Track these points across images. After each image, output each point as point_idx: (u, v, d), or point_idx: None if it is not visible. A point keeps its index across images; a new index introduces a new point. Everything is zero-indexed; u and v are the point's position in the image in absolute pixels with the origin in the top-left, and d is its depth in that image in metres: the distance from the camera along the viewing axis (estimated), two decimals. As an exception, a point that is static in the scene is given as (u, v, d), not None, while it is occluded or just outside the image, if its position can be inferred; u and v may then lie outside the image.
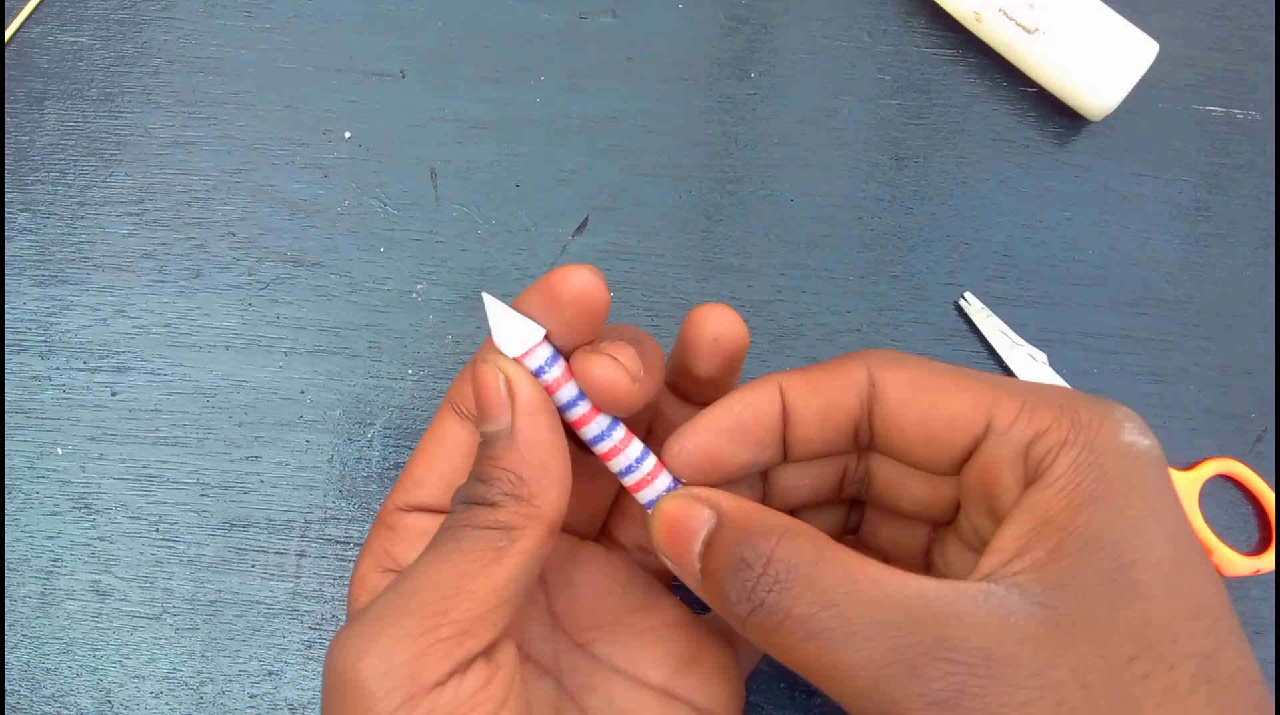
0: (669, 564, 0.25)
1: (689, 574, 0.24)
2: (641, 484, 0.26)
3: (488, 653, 0.23)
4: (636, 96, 0.41)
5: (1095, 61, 0.38)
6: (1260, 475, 0.37)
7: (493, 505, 0.24)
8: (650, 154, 0.40)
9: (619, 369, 0.25)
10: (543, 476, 0.24)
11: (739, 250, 0.39)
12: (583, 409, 0.26)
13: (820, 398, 0.26)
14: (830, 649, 0.21)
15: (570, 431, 0.26)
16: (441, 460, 0.27)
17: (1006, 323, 0.39)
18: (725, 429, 0.26)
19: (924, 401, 0.25)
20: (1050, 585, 0.21)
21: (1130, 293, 0.39)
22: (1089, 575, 0.21)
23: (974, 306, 0.39)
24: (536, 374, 0.25)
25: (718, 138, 0.41)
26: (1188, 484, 0.38)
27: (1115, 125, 0.40)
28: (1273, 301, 0.39)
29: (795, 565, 0.22)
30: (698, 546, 0.24)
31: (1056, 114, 0.41)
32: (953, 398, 0.25)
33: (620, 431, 0.26)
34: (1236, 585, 0.37)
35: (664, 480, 0.26)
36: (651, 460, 0.26)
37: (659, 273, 0.39)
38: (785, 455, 0.27)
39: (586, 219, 0.40)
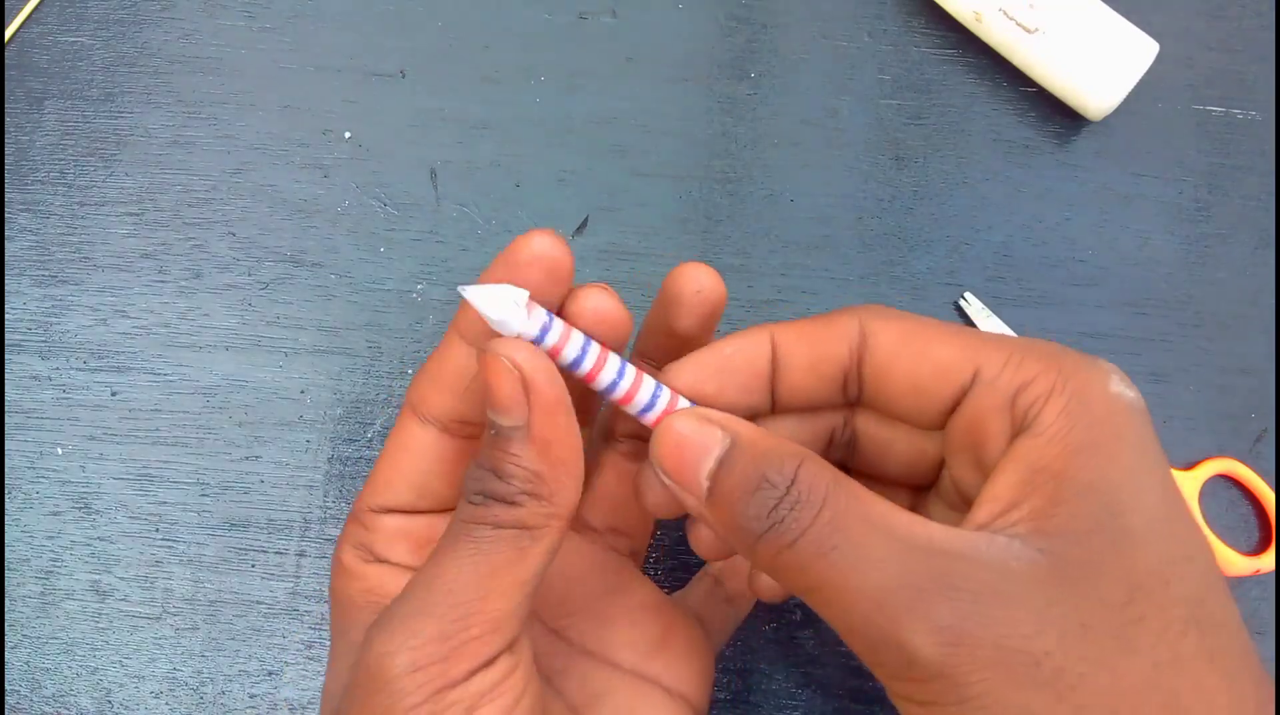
0: (666, 481, 0.25)
1: (691, 490, 0.24)
2: (665, 413, 0.26)
3: (510, 645, 0.24)
4: (636, 96, 0.41)
5: (1095, 61, 0.38)
6: (1260, 475, 0.37)
7: (513, 503, 0.24)
8: (650, 154, 0.40)
9: (609, 294, 0.26)
10: (562, 474, 0.24)
11: (739, 250, 0.39)
12: (590, 361, 0.25)
13: (810, 346, 0.26)
14: (839, 570, 0.22)
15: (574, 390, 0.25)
16: (407, 465, 0.27)
17: (1006, 323, 0.39)
18: (714, 369, 0.26)
19: (912, 351, 0.25)
20: (1048, 533, 0.22)
21: (1130, 293, 0.39)
22: (1084, 522, 0.21)
23: (974, 307, 0.39)
24: (539, 339, 0.24)
25: (718, 138, 0.41)
26: (1188, 484, 0.38)
27: (1115, 125, 0.40)
28: (1272, 302, 0.39)
29: (815, 487, 0.23)
30: (708, 465, 0.24)
31: (1056, 114, 0.41)
32: (941, 347, 0.25)
33: (632, 371, 0.25)
34: (1237, 585, 0.37)
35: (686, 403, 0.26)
36: (668, 392, 0.26)
37: (659, 273, 0.39)
38: (773, 406, 0.27)
39: (586, 219, 0.40)
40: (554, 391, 0.24)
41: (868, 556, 0.22)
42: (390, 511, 0.27)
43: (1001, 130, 0.41)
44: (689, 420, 0.25)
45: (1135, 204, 0.40)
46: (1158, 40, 0.38)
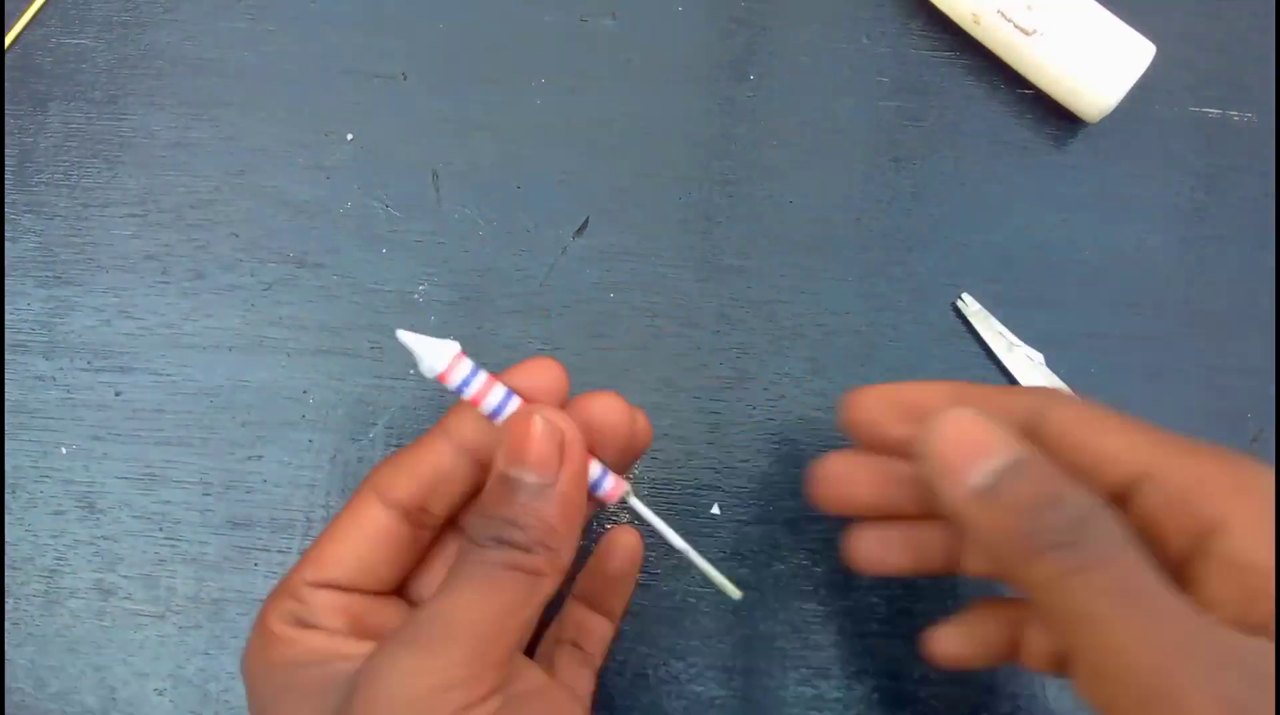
0: (930, 466, 0.26)
1: (957, 482, 0.25)
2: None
3: (506, 683, 0.26)
4: (637, 98, 0.41)
5: (1093, 63, 0.38)
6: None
7: (527, 550, 0.26)
8: (650, 155, 0.41)
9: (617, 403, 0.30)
10: (572, 534, 0.27)
11: (739, 251, 0.40)
12: (506, 409, 0.28)
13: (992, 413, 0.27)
14: (1124, 627, 0.23)
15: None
16: (359, 543, 0.28)
17: (1005, 323, 0.39)
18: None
19: (1084, 435, 0.26)
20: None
21: (1128, 293, 0.40)
22: None
23: (971, 307, 0.39)
24: (463, 387, 0.28)
25: (717, 139, 0.41)
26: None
27: (1113, 127, 0.40)
28: (1270, 302, 0.39)
29: (1112, 534, 0.23)
30: (992, 464, 0.25)
31: (1054, 116, 0.41)
32: (1112, 437, 0.26)
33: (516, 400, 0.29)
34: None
35: (598, 467, 0.30)
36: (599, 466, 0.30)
37: (659, 273, 0.39)
38: None
39: (587, 220, 0.40)
40: (584, 458, 0.27)
41: (1157, 621, 0.22)
42: (328, 587, 0.28)
43: (1000, 132, 0.41)
44: (974, 419, 0.26)
45: (1133, 205, 0.40)
46: (1155, 42, 0.38)
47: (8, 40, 0.42)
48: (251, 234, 0.40)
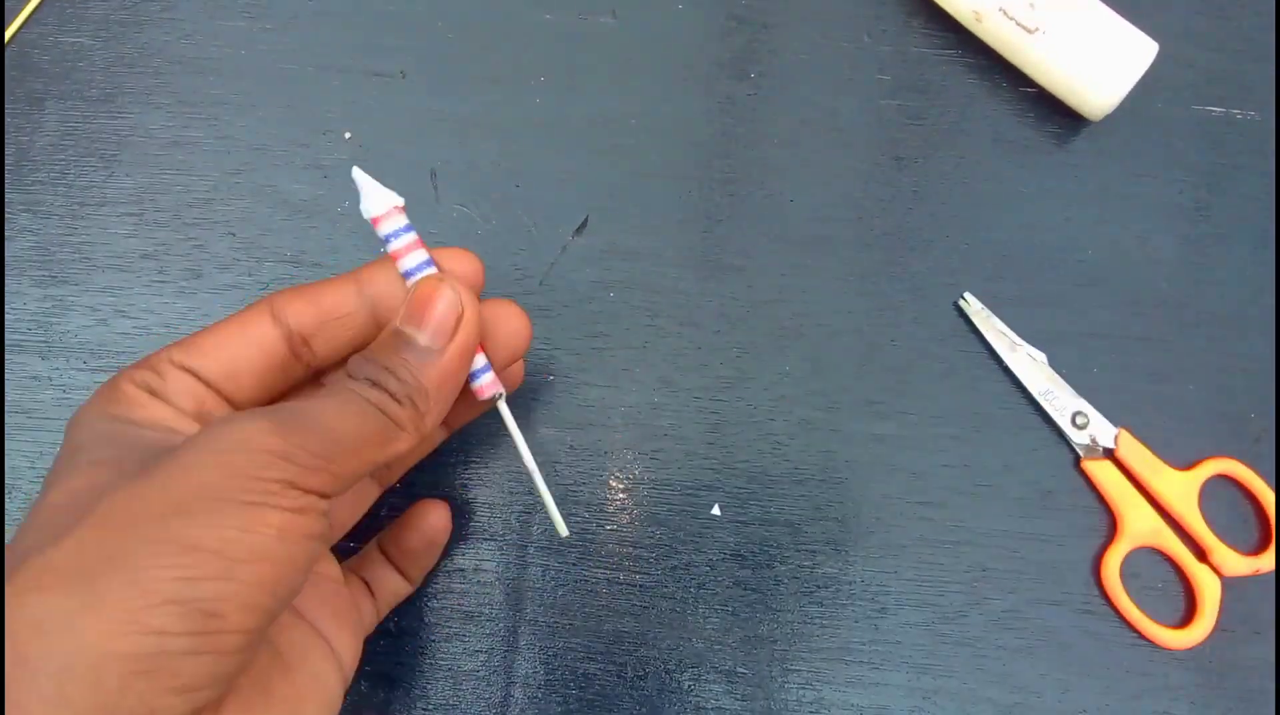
0: None
1: None
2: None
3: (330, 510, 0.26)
4: (636, 97, 0.41)
5: (1095, 61, 0.38)
6: (1260, 475, 0.37)
7: (396, 400, 0.26)
8: (650, 154, 0.40)
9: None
10: (440, 404, 0.28)
11: (739, 250, 0.39)
12: (421, 273, 0.29)
13: None
14: None
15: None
16: (239, 347, 0.29)
17: (1006, 323, 0.39)
18: None
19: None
20: None
21: (1130, 293, 0.39)
22: None
23: (973, 306, 0.39)
24: (390, 238, 0.29)
25: (718, 138, 0.41)
26: (1187, 484, 0.38)
27: (1115, 125, 0.40)
28: (1272, 301, 0.39)
29: None
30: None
31: (1056, 114, 0.41)
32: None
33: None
34: (1236, 585, 0.37)
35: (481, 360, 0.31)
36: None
37: (659, 273, 0.39)
38: None
39: (586, 219, 0.40)
40: (475, 335, 0.28)
41: None
42: (191, 373, 0.28)
43: (1001, 130, 0.41)
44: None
45: (1135, 204, 0.40)
46: (1157, 40, 0.38)
47: (5, 38, 0.41)
48: (249, 233, 0.40)
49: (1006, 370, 0.38)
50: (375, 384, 0.27)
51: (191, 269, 0.39)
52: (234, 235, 0.40)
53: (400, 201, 0.29)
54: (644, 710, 0.36)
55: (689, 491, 0.37)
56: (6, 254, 0.40)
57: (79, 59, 0.41)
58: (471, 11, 0.42)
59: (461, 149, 0.40)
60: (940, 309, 0.39)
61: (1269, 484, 0.37)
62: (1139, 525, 0.37)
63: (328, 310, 0.30)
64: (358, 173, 0.29)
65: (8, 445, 0.38)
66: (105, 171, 0.40)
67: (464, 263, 0.31)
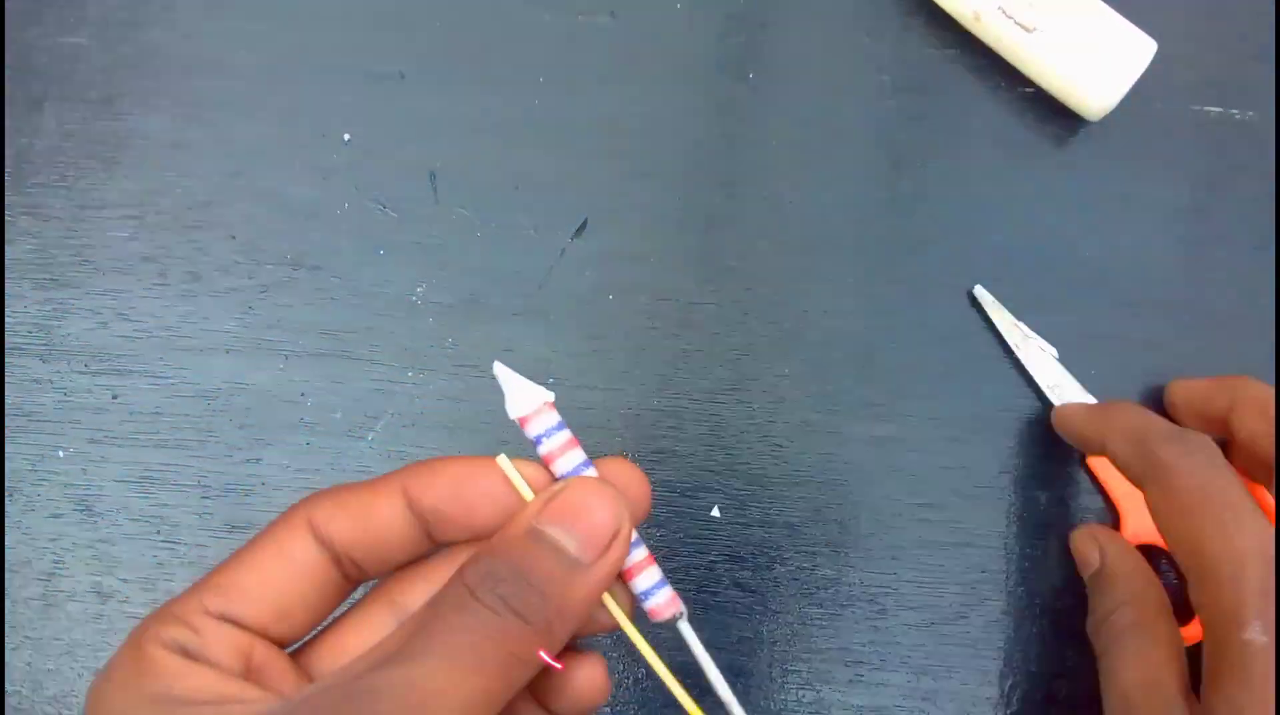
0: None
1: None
2: (634, 573, 0.27)
3: None
4: (635, 98, 0.41)
5: (1094, 61, 0.38)
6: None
7: (527, 621, 0.22)
8: (650, 155, 0.40)
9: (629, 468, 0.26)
10: (573, 628, 0.23)
11: (738, 252, 0.40)
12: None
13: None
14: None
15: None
16: (281, 580, 0.24)
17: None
18: None
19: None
20: None
21: (1129, 293, 0.39)
22: None
23: (986, 297, 0.39)
24: (542, 437, 0.25)
25: (717, 139, 0.41)
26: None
27: (1113, 126, 0.40)
28: (1271, 302, 0.39)
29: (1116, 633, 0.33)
30: (1087, 573, 0.35)
31: (1055, 114, 0.40)
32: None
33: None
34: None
35: (656, 574, 0.27)
36: (644, 551, 0.27)
37: (659, 275, 0.39)
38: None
39: (586, 221, 0.40)
40: (624, 557, 0.24)
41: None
42: (231, 622, 0.23)
43: (1000, 131, 0.41)
44: (1086, 540, 0.36)
45: (1134, 204, 0.40)
46: (1156, 40, 0.38)
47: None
48: (249, 236, 0.40)
49: (1008, 370, 0.38)
50: (507, 604, 0.21)
51: (192, 272, 0.39)
52: (234, 238, 0.40)
53: (550, 396, 0.26)
54: (644, 710, 0.36)
55: (689, 493, 0.38)
56: (7, 257, 0.40)
57: (78, 61, 0.41)
58: (471, 12, 0.42)
59: (461, 150, 0.40)
60: (940, 310, 0.39)
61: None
62: (1142, 523, 0.37)
63: (377, 532, 0.24)
64: (500, 368, 0.26)
65: (8, 448, 0.38)
66: (105, 174, 0.40)
67: (627, 475, 0.26)
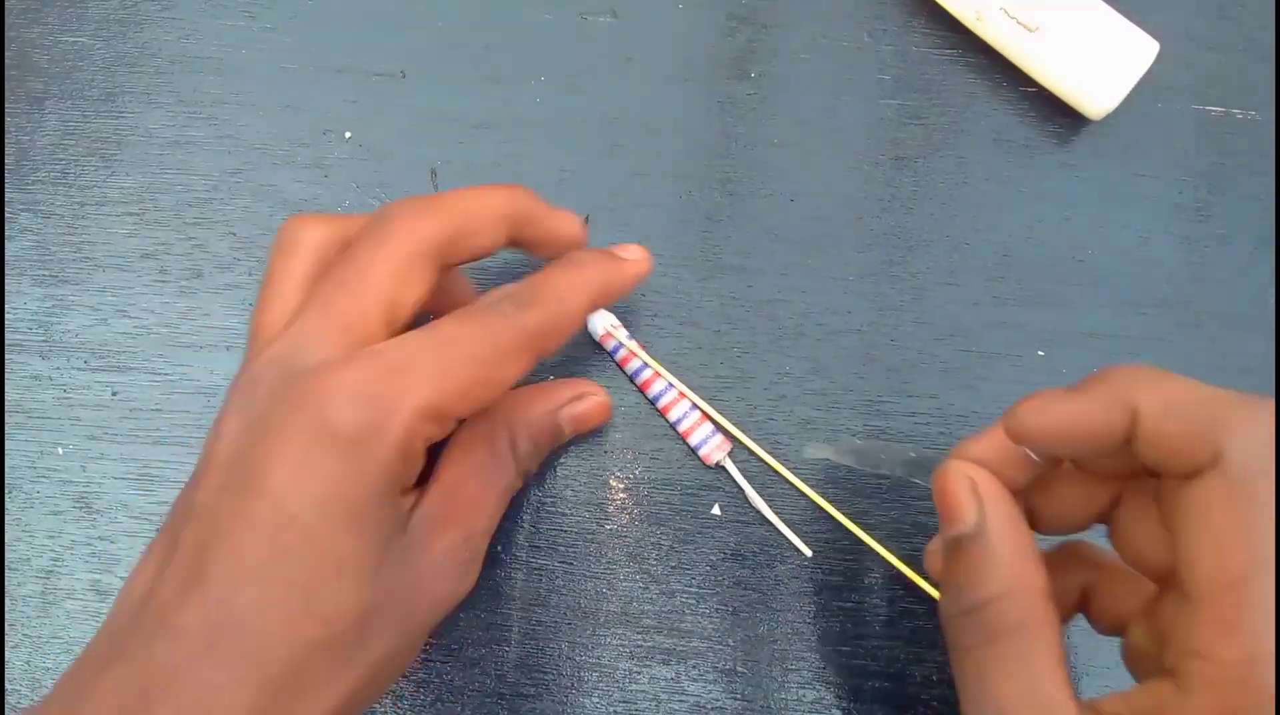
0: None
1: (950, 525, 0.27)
2: (690, 431, 0.37)
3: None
4: (636, 96, 0.41)
5: (1095, 61, 0.38)
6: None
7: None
8: (650, 154, 0.40)
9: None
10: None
11: (739, 250, 0.40)
12: (646, 374, 0.37)
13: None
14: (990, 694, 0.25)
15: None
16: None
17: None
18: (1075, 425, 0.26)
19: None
20: None
21: (1130, 292, 0.39)
22: None
23: None
24: (613, 352, 0.37)
25: (718, 138, 0.41)
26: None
27: (1115, 125, 0.40)
28: (1272, 301, 0.39)
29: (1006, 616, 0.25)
30: (958, 528, 0.26)
31: (1056, 114, 0.41)
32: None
33: (673, 392, 0.37)
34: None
35: (707, 429, 0.37)
36: (697, 414, 0.37)
37: (659, 273, 0.39)
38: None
39: (587, 219, 0.40)
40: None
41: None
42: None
43: (1002, 130, 0.41)
44: (960, 482, 0.27)
45: (1135, 204, 0.40)
46: (1158, 39, 0.38)
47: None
48: (249, 233, 0.40)
49: (1006, 370, 0.38)
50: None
51: (192, 268, 0.39)
52: (234, 234, 0.40)
53: (613, 321, 0.37)
54: (644, 710, 0.36)
55: (689, 491, 0.37)
56: (7, 253, 0.40)
57: (79, 58, 0.41)
58: (472, 11, 0.42)
59: (461, 149, 0.40)
60: (940, 309, 0.39)
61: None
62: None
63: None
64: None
65: (8, 445, 0.38)
66: (106, 171, 0.40)
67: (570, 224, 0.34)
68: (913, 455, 0.30)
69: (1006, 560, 0.26)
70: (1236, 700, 0.22)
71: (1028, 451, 0.27)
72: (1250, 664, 0.22)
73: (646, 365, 0.37)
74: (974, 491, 0.26)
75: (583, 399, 0.36)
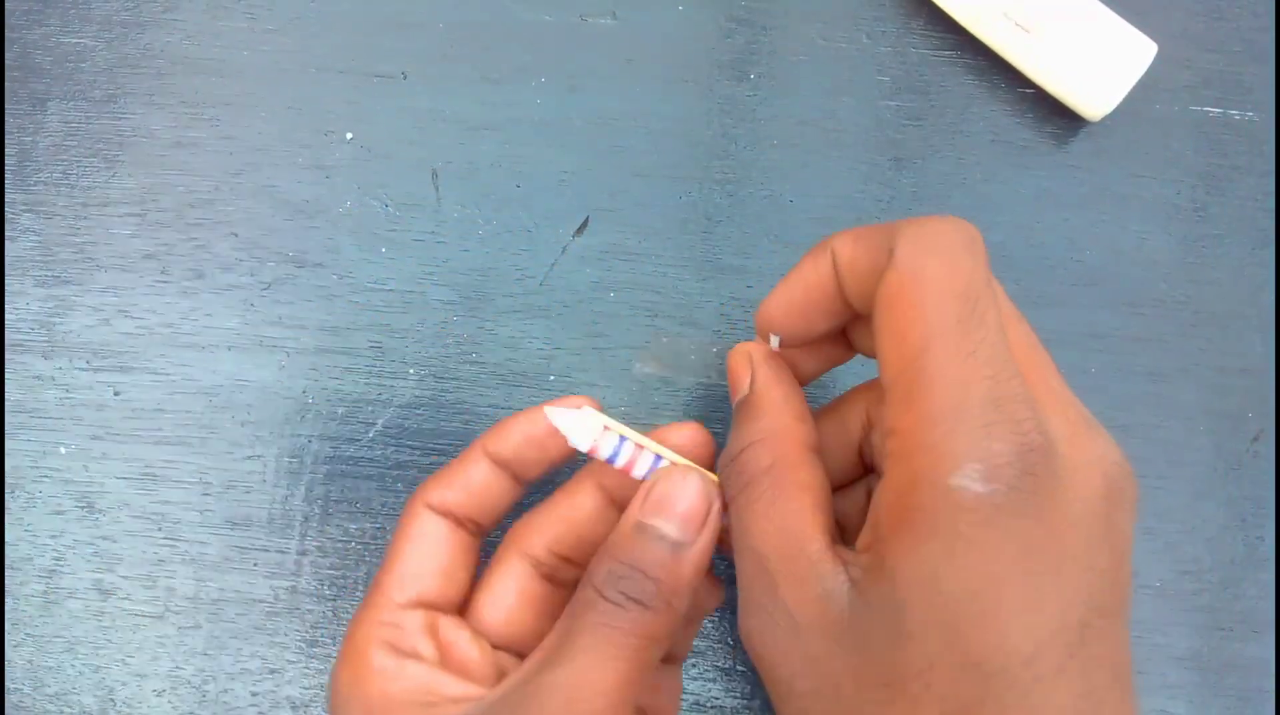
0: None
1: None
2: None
3: None
4: (637, 98, 0.41)
5: (1094, 62, 0.38)
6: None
7: (649, 607, 0.26)
8: (650, 155, 0.41)
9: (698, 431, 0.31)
10: (687, 600, 0.27)
11: (739, 251, 0.40)
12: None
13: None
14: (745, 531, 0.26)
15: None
16: (431, 553, 0.30)
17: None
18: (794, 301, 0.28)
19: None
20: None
21: (1128, 293, 0.40)
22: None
23: None
24: (613, 457, 0.29)
25: (717, 139, 0.41)
26: (1186, 483, 0.38)
27: (1113, 126, 0.40)
28: (1270, 301, 0.39)
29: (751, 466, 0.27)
30: (736, 399, 0.29)
31: (1055, 115, 0.41)
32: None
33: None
34: (1235, 584, 0.37)
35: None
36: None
37: (659, 273, 0.39)
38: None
39: (587, 220, 0.40)
40: (719, 528, 0.28)
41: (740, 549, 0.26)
42: (419, 606, 0.29)
43: (1000, 131, 0.41)
44: (739, 356, 0.30)
45: (1133, 204, 0.40)
46: (1156, 41, 0.38)
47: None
48: (251, 233, 0.40)
49: (1005, 370, 0.38)
50: (630, 597, 0.26)
51: (194, 269, 0.40)
52: (236, 235, 0.40)
53: (601, 420, 0.29)
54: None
55: (689, 491, 0.38)
56: (9, 254, 0.40)
57: (81, 60, 0.42)
58: (472, 13, 0.42)
59: (462, 149, 0.40)
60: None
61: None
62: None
63: (476, 490, 0.30)
64: (551, 412, 0.29)
65: (9, 445, 0.38)
66: (108, 172, 0.40)
67: (691, 436, 0.30)
68: (714, 350, 0.32)
69: (766, 411, 0.28)
70: (919, 462, 0.23)
71: (772, 338, 0.30)
72: (926, 423, 0.23)
73: (660, 460, 0.29)
74: (749, 360, 0.29)
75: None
